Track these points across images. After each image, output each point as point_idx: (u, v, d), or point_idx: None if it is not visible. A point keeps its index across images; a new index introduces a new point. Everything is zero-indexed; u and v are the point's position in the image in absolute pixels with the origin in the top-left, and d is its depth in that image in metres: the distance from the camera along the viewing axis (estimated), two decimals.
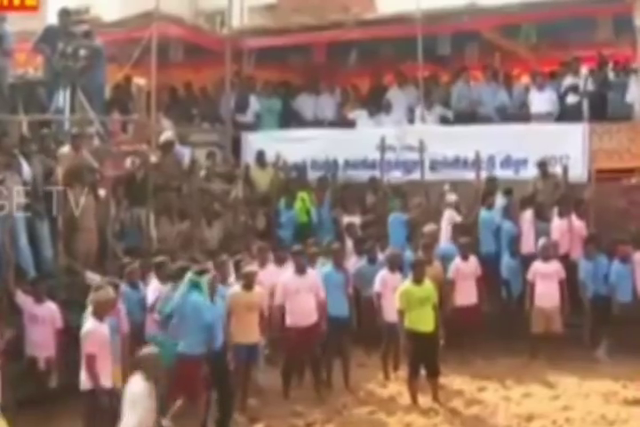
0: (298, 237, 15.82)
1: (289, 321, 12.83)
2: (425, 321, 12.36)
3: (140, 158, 15.99)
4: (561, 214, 15.42)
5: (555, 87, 17.98)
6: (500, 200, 16.18)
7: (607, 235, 15.15)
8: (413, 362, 12.42)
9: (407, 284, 12.57)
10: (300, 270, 12.94)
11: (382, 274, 13.50)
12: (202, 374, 11.15)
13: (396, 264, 13.61)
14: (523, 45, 18.74)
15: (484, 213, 16.00)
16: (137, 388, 8.93)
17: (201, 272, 11.29)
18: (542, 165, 16.22)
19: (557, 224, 15.38)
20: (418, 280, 12.52)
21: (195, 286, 11.14)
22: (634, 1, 16.43)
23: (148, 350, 9.35)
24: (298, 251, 13.40)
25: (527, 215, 15.66)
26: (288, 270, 13.32)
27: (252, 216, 16.77)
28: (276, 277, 13.22)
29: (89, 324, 10.30)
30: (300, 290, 12.82)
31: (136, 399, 8.83)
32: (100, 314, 10.44)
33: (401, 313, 12.37)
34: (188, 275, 11.15)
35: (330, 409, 12.33)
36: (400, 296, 12.38)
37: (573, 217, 15.40)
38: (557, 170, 16.44)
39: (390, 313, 12.94)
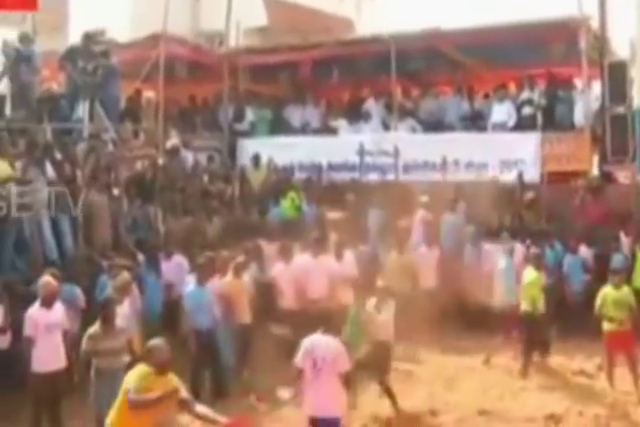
0: (286, 232, 16.03)
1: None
2: None
3: (149, 161, 16.19)
4: None
5: (512, 100, 18.20)
6: (461, 204, 16.39)
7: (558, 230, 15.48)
8: None
9: None
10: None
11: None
12: None
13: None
14: (482, 63, 18.97)
15: (447, 217, 16.19)
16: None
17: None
18: None
19: None
20: None
21: None
22: (579, 27, 16.71)
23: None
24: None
25: None
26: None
27: (247, 211, 16.92)
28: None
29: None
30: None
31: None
32: (119, 297, 10.68)
33: None
34: None
35: None
36: None
37: None
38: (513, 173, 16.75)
39: None
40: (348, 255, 14.48)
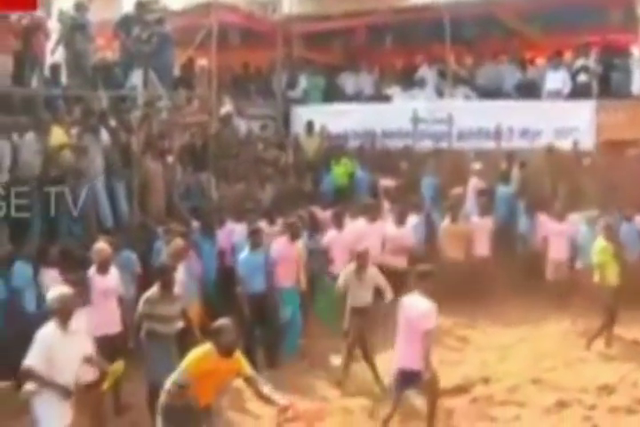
0: (339, 198, 15.98)
1: None
2: None
3: (203, 129, 16.16)
4: None
5: (567, 68, 17.89)
6: (515, 172, 16.20)
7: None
8: None
9: None
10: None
11: None
12: None
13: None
14: (538, 31, 18.63)
15: (501, 190, 15.97)
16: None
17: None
18: None
19: None
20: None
21: None
22: None
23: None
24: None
25: None
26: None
27: (301, 179, 16.92)
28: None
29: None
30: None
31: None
32: (173, 263, 10.69)
33: None
34: None
35: None
36: None
37: None
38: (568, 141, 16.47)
39: None
40: (410, 222, 14.44)
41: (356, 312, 11.09)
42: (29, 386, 7.69)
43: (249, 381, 7.65)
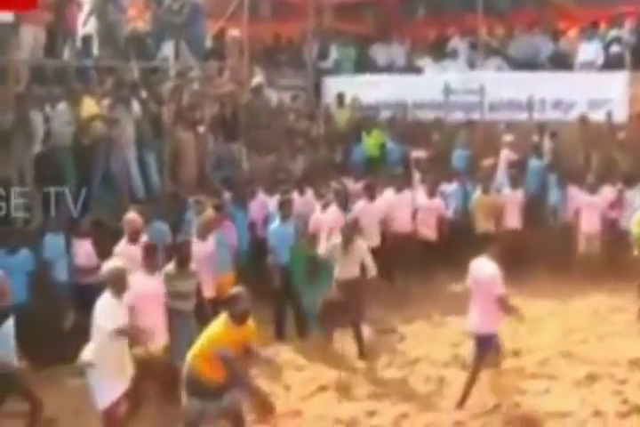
0: (370, 170, 15.87)
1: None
2: None
3: (234, 99, 16.07)
4: None
5: (600, 39, 17.59)
6: (547, 143, 16.01)
7: None
8: None
9: None
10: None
11: None
12: None
13: None
14: (572, 1, 18.33)
15: (533, 162, 15.77)
16: None
17: None
18: None
19: None
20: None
21: None
22: None
23: None
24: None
25: None
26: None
27: (332, 150, 16.81)
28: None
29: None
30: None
31: None
32: (203, 234, 10.63)
33: None
34: None
35: None
36: None
37: None
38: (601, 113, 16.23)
39: None
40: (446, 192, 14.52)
41: (341, 285, 11.04)
42: (85, 356, 8.04)
43: (248, 354, 7.70)
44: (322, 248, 11.57)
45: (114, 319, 7.92)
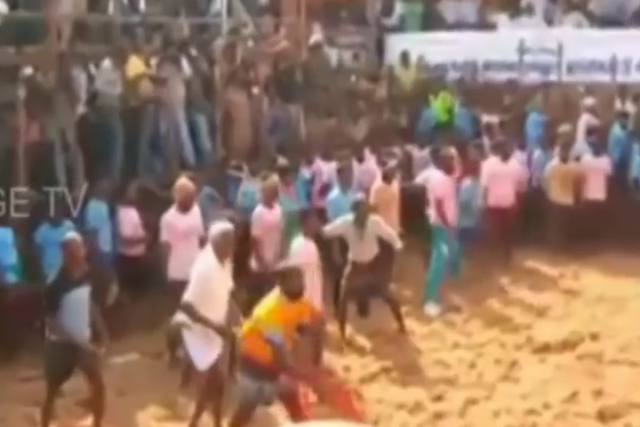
0: (437, 135, 15.67)
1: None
2: None
3: (291, 58, 15.99)
4: None
5: None
6: (630, 107, 15.68)
7: None
8: None
9: None
10: None
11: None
12: None
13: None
14: None
15: (616, 131, 15.36)
16: None
17: None
18: None
19: None
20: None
21: None
22: None
23: None
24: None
25: None
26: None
27: (396, 114, 16.63)
28: None
29: (257, 209, 10.60)
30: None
31: None
32: (267, 200, 10.58)
33: None
34: None
35: None
36: None
37: None
38: None
39: None
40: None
41: (357, 268, 10.91)
42: (182, 317, 8.29)
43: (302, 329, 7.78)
44: (329, 226, 11.18)
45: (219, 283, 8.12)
